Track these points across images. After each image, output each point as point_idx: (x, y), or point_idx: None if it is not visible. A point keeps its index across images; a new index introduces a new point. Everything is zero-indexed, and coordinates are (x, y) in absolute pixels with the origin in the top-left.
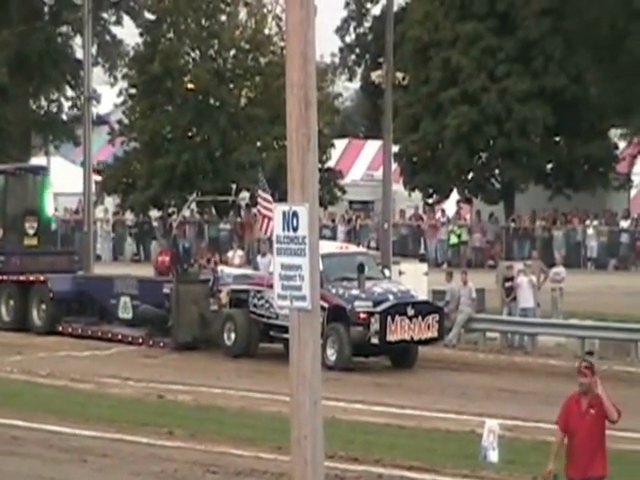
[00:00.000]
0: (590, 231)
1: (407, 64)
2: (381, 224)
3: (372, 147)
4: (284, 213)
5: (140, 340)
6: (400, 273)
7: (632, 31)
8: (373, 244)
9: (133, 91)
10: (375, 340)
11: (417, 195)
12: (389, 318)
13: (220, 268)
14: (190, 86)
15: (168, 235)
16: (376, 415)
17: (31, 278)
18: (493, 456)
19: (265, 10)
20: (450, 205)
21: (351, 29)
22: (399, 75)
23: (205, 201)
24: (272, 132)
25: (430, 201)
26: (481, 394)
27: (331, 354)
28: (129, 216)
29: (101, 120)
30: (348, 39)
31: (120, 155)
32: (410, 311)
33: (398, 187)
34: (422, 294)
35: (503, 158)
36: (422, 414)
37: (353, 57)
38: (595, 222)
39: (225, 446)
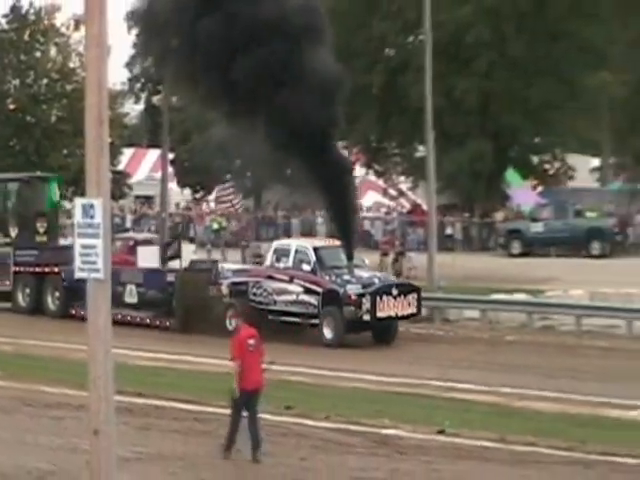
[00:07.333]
0: (320, 220)
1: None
2: (160, 213)
3: (153, 154)
4: (83, 205)
5: (147, 321)
6: None
7: None
8: (153, 229)
9: None
10: (367, 317)
11: (187, 191)
12: (378, 298)
13: (220, 265)
14: (12, 107)
15: None
16: (157, 360)
17: (46, 270)
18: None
19: (70, 49)
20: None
21: (137, 64)
22: (174, 99)
23: None
24: (76, 142)
25: (197, 196)
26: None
27: (327, 333)
28: None
29: None
30: (135, 71)
31: None
32: (394, 291)
33: (173, 185)
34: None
35: None
36: (198, 360)
37: (139, 85)
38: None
39: (39, 385)
